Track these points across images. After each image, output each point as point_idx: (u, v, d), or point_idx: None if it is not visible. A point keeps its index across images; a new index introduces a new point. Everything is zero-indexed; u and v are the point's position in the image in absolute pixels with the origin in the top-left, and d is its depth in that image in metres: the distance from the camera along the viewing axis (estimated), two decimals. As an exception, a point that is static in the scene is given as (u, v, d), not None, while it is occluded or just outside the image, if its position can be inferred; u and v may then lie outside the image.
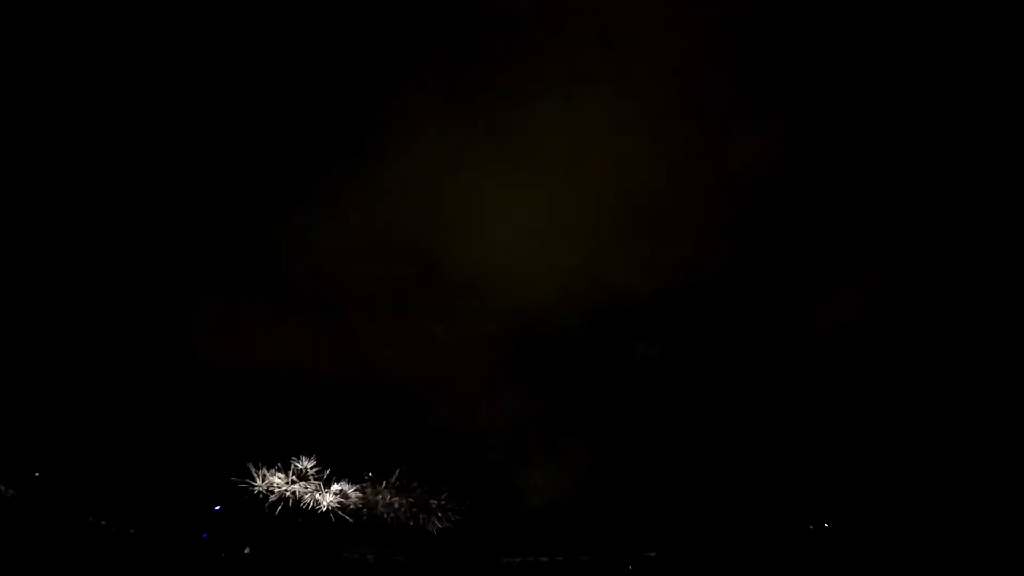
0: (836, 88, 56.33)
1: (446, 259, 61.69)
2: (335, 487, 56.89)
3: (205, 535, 54.63)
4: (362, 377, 59.73)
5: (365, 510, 57.09)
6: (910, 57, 54.77)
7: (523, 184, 60.70)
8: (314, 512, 56.38)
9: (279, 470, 56.24)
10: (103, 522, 51.66)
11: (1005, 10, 51.90)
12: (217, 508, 54.13)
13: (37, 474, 51.62)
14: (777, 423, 56.90)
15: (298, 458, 56.65)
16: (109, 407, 54.68)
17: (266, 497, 55.68)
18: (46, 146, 56.23)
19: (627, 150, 60.03)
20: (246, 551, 54.66)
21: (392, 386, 59.82)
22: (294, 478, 56.27)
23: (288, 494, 55.87)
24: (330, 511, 56.53)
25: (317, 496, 56.32)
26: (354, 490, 57.18)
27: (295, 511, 56.20)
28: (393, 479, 57.68)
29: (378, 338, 61.43)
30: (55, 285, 55.38)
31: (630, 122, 59.59)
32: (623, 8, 57.68)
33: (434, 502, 57.82)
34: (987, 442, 50.69)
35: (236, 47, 57.87)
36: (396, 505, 57.33)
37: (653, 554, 57.43)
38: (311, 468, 56.60)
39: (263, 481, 55.68)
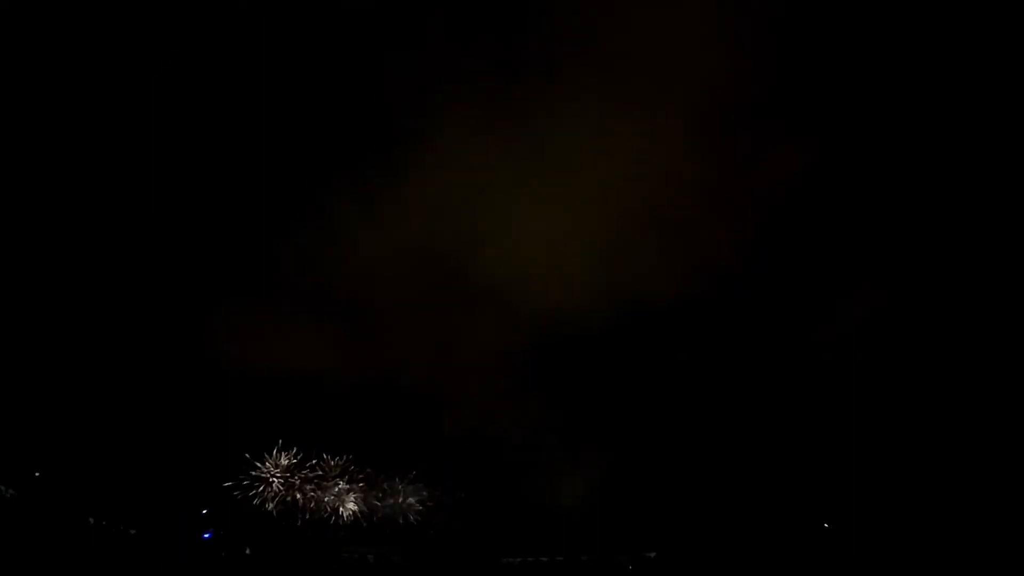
0: (854, 106, 56.66)
1: (469, 266, 62.02)
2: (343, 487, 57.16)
3: (205, 535, 54.72)
4: (383, 381, 59.97)
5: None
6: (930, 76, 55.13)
7: (544, 195, 61.37)
8: (315, 511, 56.55)
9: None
10: (103, 522, 51.71)
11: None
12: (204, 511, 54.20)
13: (37, 474, 51.63)
14: (777, 425, 57.04)
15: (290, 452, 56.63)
16: (109, 407, 54.71)
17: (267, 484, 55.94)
18: (78, 151, 57.09)
19: (650, 163, 60.46)
20: (246, 551, 54.77)
21: (413, 390, 60.20)
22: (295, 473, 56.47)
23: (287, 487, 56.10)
24: (336, 509, 56.79)
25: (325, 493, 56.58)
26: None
27: (295, 511, 56.35)
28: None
29: (401, 343, 61.87)
30: (57, 287, 55.47)
31: (652, 136, 60.15)
32: (650, 27, 58.32)
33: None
34: (986, 444, 50.85)
35: (278, 56, 58.89)
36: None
37: (653, 554, 57.56)
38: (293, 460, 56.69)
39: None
